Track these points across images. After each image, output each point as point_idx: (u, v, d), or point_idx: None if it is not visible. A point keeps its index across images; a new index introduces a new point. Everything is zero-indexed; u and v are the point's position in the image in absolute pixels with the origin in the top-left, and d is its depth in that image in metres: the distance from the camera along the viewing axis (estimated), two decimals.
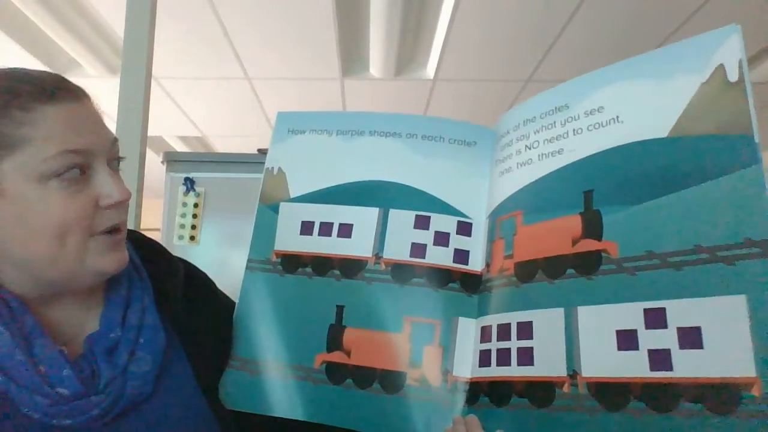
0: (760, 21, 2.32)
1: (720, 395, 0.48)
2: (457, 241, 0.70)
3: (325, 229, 0.75)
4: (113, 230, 0.57)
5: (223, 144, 4.06)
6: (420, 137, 0.76)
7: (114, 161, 0.59)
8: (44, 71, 0.57)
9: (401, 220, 0.72)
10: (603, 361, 0.55)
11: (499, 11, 2.35)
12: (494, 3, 2.29)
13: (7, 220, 0.52)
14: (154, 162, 1.80)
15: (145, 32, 1.40)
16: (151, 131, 1.46)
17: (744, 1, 2.21)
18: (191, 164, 1.79)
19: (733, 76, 0.55)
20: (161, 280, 0.67)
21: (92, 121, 0.56)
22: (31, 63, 2.61)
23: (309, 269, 0.74)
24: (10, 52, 2.55)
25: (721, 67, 0.55)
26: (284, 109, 0.84)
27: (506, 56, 2.73)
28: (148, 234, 0.76)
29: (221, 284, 0.80)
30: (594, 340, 0.56)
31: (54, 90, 0.54)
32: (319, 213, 0.76)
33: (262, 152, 2.32)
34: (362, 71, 2.92)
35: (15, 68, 0.57)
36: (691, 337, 0.50)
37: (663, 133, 0.58)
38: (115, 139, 0.59)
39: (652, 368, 0.52)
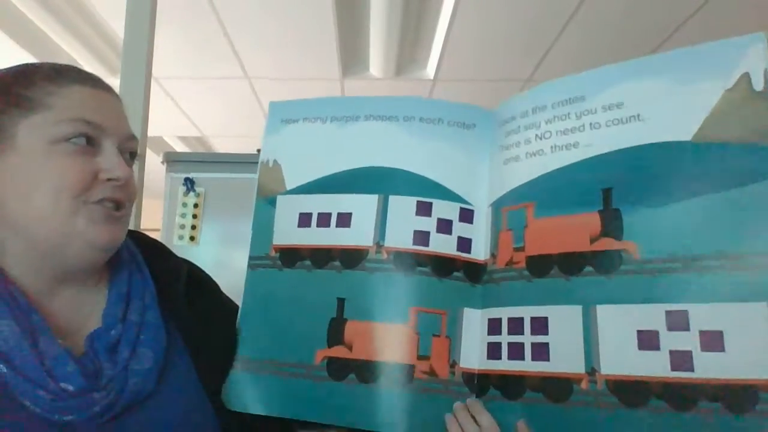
0: (759, 24, 2.32)
1: (739, 396, 0.49)
2: (460, 229, 0.68)
3: (323, 219, 0.72)
4: (109, 203, 0.59)
5: (223, 144, 4.06)
6: (417, 120, 0.73)
7: (126, 153, 0.63)
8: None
9: (402, 206, 0.70)
10: (623, 359, 0.56)
11: (498, 11, 2.35)
12: (494, 3, 2.29)
13: (14, 173, 0.56)
14: (154, 162, 1.80)
15: (145, 32, 1.39)
16: (151, 131, 1.46)
17: (743, 1, 2.21)
18: (191, 164, 1.79)
19: (758, 85, 0.54)
20: (164, 280, 0.67)
21: (113, 110, 0.61)
22: None
23: (308, 262, 0.71)
24: (11, 52, 2.55)
25: (746, 76, 0.55)
26: None
27: (506, 56, 2.73)
28: (148, 234, 0.76)
29: (221, 284, 0.79)
30: (614, 339, 0.56)
31: (92, 78, 0.61)
32: (317, 203, 0.73)
33: None
34: (362, 71, 2.92)
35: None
36: (713, 341, 0.51)
37: (687, 136, 0.57)
38: (133, 136, 0.64)
39: (674, 368, 0.53)
